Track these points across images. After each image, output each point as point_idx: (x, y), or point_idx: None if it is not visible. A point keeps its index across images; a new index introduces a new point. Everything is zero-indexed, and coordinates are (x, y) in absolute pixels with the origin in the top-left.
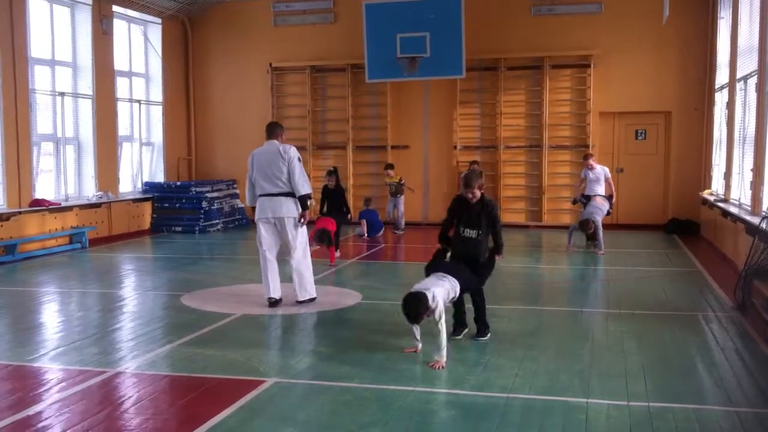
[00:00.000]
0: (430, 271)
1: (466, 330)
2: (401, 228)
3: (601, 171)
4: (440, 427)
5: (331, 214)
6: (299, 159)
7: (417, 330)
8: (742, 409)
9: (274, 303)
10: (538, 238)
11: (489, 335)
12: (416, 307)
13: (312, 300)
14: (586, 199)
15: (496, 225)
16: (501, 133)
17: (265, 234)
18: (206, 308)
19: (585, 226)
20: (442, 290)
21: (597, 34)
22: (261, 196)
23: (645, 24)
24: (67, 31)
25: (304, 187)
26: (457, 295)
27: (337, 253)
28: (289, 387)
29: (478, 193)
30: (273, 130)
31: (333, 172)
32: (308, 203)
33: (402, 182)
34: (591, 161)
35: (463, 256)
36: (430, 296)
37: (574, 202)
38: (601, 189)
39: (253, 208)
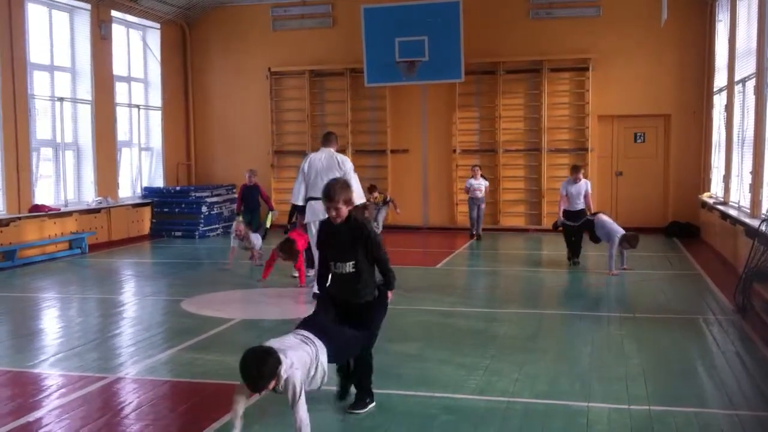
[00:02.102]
0: (299, 325)
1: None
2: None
3: (583, 185)
4: (441, 431)
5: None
6: (354, 170)
7: (238, 424)
8: (743, 412)
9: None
10: (538, 242)
11: (370, 407)
12: (258, 366)
13: None
14: (576, 217)
15: (378, 251)
16: (500, 137)
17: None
18: (206, 313)
19: (634, 240)
20: (303, 358)
21: (595, 38)
22: (312, 199)
23: (643, 27)
24: (66, 36)
25: (360, 198)
26: (321, 378)
27: (310, 272)
28: None
29: (344, 211)
30: (329, 139)
31: None
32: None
33: (388, 200)
34: (580, 174)
35: (342, 301)
36: (285, 363)
37: (557, 226)
38: (581, 205)
39: (295, 207)
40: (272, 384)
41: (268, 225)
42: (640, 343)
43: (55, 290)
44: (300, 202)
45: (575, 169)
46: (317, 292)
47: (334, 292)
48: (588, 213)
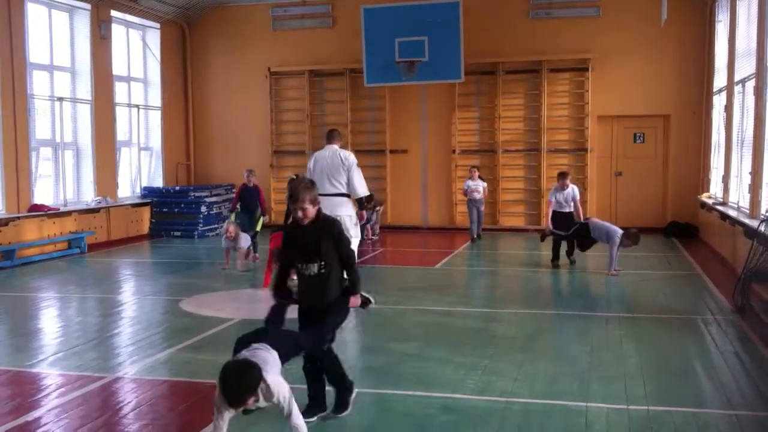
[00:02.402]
0: (253, 337)
1: (325, 413)
2: (377, 233)
3: (571, 192)
4: (440, 431)
5: None
6: (358, 165)
7: None
8: (742, 412)
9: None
10: (537, 242)
11: (352, 397)
12: (240, 380)
13: None
14: (564, 220)
15: (347, 249)
16: (499, 137)
17: None
18: (205, 313)
19: (635, 237)
20: (279, 370)
21: (595, 38)
22: (320, 195)
23: (643, 27)
24: (66, 36)
25: (363, 190)
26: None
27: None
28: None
29: (311, 211)
30: (333, 136)
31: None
32: (378, 209)
33: (378, 209)
34: (568, 180)
35: (309, 305)
36: (267, 377)
37: (544, 237)
38: (570, 207)
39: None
40: (252, 399)
41: (258, 228)
42: (638, 343)
43: (54, 290)
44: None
45: (562, 176)
46: None
47: (301, 299)
48: (577, 218)
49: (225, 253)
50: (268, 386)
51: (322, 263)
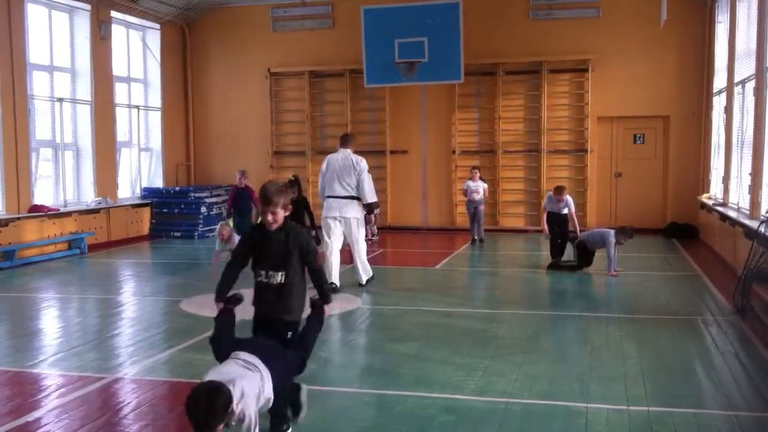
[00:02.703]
0: (222, 348)
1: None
2: (376, 234)
3: (565, 203)
4: None
5: None
6: (368, 171)
7: None
8: (742, 413)
9: (335, 289)
10: (537, 243)
11: (305, 408)
12: (210, 405)
13: (369, 281)
14: (559, 220)
15: (315, 260)
16: (499, 138)
17: (333, 228)
18: (205, 314)
19: (629, 230)
20: (252, 386)
21: (595, 39)
22: (330, 197)
23: (643, 28)
24: (66, 36)
25: (371, 196)
26: (270, 403)
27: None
28: None
29: (280, 216)
30: (347, 140)
31: (294, 183)
32: (375, 212)
33: (375, 211)
34: (564, 195)
35: (267, 317)
36: (236, 394)
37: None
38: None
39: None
40: (221, 426)
41: None
42: (639, 343)
43: (55, 290)
44: (322, 198)
45: (559, 191)
46: (334, 283)
47: (259, 306)
48: (572, 228)
49: (215, 255)
50: (238, 413)
51: (287, 273)
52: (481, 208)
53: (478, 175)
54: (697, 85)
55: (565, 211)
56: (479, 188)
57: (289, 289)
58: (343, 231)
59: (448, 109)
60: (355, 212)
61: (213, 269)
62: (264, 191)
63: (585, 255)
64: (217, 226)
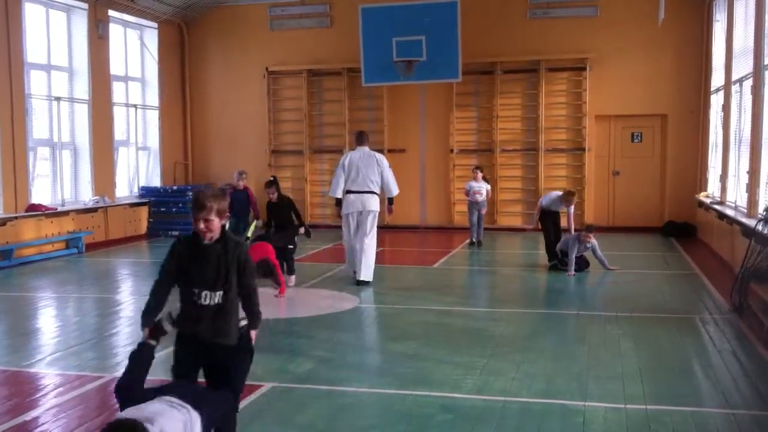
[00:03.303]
0: (131, 400)
1: None
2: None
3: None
4: (438, 431)
5: (276, 235)
6: (390, 167)
7: None
8: (739, 412)
9: (359, 282)
10: (535, 242)
11: None
12: None
13: (367, 283)
14: (553, 216)
15: (252, 279)
16: (497, 137)
17: (353, 224)
18: None
19: (570, 195)
20: (175, 426)
21: (593, 37)
22: (352, 192)
23: (640, 27)
24: (63, 35)
25: (396, 189)
26: None
27: (291, 281)
28: (287, 391)
29: (216, 224)
30: (363, 139)
31: (272, 183)
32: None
33: None
34: (574, 201)
35: (199, 343)
36: None
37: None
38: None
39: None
40: None
41: (249, 234)
42: (636, 342)
43: (52, 289)
44: (339, 195)
45: (569, 197)
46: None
47: (190, 331)
48: (568, 226)
49: None
50: None
51: (226, 293)
52: (484, 210)
53: (480, 175)
54: (694, 83)
55: (564, 210)
56: (482, 189)
57: (227, 312)
58: (359, 224)
59: (446, 108)
60: (376, 206)
61: None
62: (195, 196)
63: (580, 263)
64: None
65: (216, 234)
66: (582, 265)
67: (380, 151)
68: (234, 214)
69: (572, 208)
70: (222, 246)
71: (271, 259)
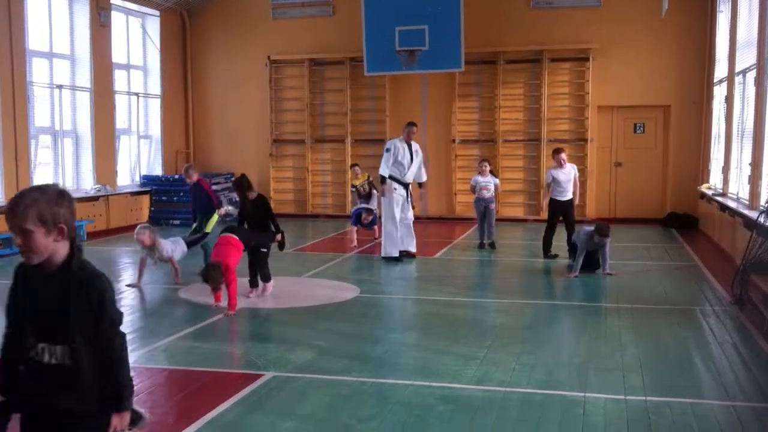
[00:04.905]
0: None
1: None
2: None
3: (571, 170)
4: (438, 421)
5: (250, 232)
6: (387, 150)
7: None
8: (739, 404)
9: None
10: (536, 233)
11: None
12: None
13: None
14: (564, 207)
15: (114, 328)
16: (499, 127)
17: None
18: (204, 302)
19: (605, 229)
20: None
21: (596, 28)
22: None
23: (644, 17)
24: (65, 23)
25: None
26: None
27: (268, 290)
28: (288, 381)
29: (39, 241)
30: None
31: (240, 182)
32: (383, 187)
33: (370, 179)
34: (563, 156)
35: (43, 413)
36: None
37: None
38: (570, 192)
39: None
40: None
41: (208, 229)
42: (637, 333)
43: None
44: (386, 174)
45: (557, 152)
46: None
47: (26, 399)
48: (575, 200)
49: (140, 263)
50: None
51: (72, 347)
52: (492, 206)
53: (488, 168)
54: (697, 74)
55: (569, 191)
56: (489, 184)
57: (75, 375)
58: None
59: (448, 97)
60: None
61: (139, 282)
62: (9, 204)
63: (591, 261)
64: (136, 230)
65: (48, 256)
66: (592, 266)
67: (381, 141)
68: (194, 212)
69: (576, 173)
70: (65, 277)
71: (229, 269)
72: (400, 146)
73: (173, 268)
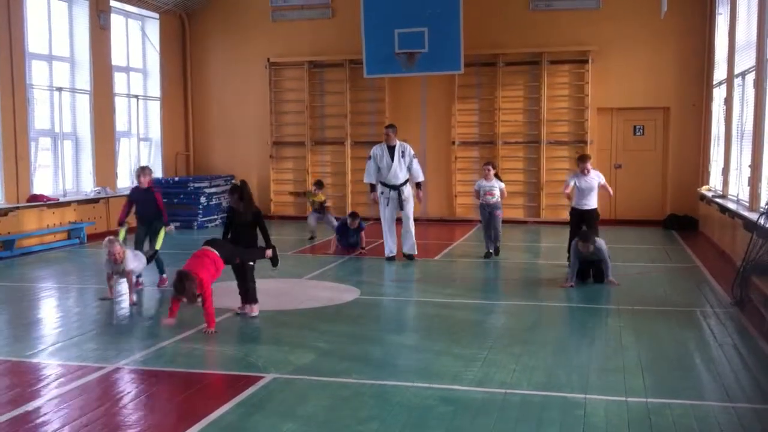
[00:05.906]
0: None
1: None
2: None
3: (595, 177)
4: (438, 422)
5: (234, 247)
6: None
7: None
8: (740, 405)
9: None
10: (537, 234)
11: None
12: None
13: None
14: (586, 218)
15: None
16: (499, 129)
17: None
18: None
19: (585, 236)
20: None
21: (595, 30)
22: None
23: (643, 19)
24: (65, 26)
25: (422, 176)
26: None
27: (254, 311)
28: (288, 382)
29: None
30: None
31: (237, 189)
32: (372, 195)
33: (326, 203)
34: (588, 165)
35: None
36: None
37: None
38: (593, 200)
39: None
40: None
41: (158, 246)
42: (637, 335)
43: (54, 280)
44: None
45: (582, 159)
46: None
47: None
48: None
49: (108, 278)
50: None
51: None
52: (499, 213)
53: (492, 172)
54: (697, 76)
55: (591, 201)
56: (494, 189)
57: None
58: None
59: (447, 99)
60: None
61: (111, 293)
62: None
63: (597, 273)
64: (104, 244)
65: None
66: (584, 275)
67: (381, 142)
68: (140, 220)
69: (602, 177)
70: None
71: (204, 283)
72: (379, 151)
73: (129, 283)
